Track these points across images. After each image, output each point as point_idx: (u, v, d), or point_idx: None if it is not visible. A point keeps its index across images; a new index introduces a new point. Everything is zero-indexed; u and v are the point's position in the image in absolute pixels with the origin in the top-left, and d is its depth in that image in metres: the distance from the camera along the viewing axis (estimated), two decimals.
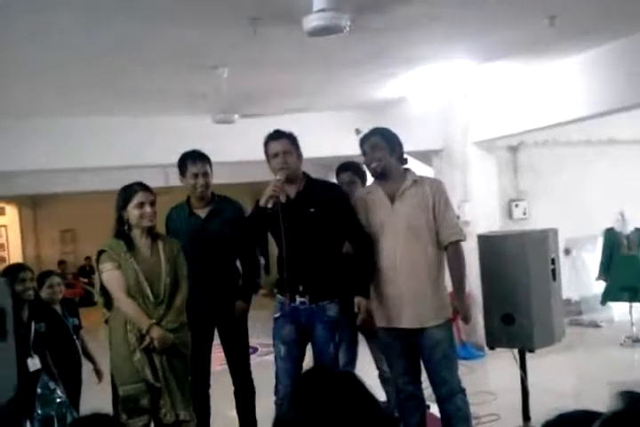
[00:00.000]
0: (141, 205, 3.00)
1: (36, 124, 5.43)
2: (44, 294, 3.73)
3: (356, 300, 3.07)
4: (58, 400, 3.22)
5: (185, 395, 3.03)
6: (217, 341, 3.61)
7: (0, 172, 6.04)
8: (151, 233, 3.08)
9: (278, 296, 3.24)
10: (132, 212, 3.01)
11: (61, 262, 13.31)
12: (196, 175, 3.48)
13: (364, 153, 3.20)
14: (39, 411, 3.19)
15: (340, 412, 1.04)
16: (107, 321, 3.11)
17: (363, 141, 3.21)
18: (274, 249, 3.28)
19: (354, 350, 3.48)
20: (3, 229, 11.80)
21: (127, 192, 3.05)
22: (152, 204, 3.04)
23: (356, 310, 3.07)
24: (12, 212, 12.73)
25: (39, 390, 3.24)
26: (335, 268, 3.19)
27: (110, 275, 2.96)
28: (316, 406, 1.05)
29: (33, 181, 8.04)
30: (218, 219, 3.53)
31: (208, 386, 3.57)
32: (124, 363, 2.95)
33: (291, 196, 3.18)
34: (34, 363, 3.33)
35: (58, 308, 3.80)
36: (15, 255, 11.95)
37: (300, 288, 3.12)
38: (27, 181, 8.04)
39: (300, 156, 3.21)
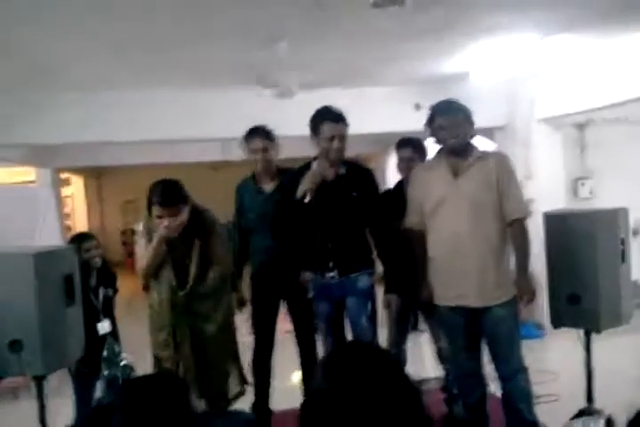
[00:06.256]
0: (159, 217, 2.93)
1: (101, 98, 5.55)
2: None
3: (386, 297, 3.28)
4: (123, 363, 3.37)
5: (214, 382, 3.07)
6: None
7: (66, 144, 6.26)
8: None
9: (308, 274, 3.28)
10: (154, 220, 2.98)
11: (124, 232, 13.78)
12: (256, 151, 3.59)
13: (439, 127, 3.07)
14: (105, 372, 3.34)
15: (370, 387, 1.06)
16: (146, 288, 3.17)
17: (441, 114, 3.06)
18: None
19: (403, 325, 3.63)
20: (69, 199, 12.23)
21: (149, 198, 2.96)
22: (174, 215, 2.90)
23: (385, 307, 3.27)
24: (77, 182, 13.14)
25: (105, 353, 3.38)
26: (365, 243, 3.27)
27: (142, 248, 3.05)
28: (347, 379, 1.07)
29: (97, 153, 8.26)
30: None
31: (270, 357, 3.67)
32: (154, 334, 3.09)
33: (328, 177, 3.15)
34: (103, 327, 3.48)
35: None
36: (80, 225, 12.42)
37: (330, 265, 3.16)
38: (91, 153, 8.27)
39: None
